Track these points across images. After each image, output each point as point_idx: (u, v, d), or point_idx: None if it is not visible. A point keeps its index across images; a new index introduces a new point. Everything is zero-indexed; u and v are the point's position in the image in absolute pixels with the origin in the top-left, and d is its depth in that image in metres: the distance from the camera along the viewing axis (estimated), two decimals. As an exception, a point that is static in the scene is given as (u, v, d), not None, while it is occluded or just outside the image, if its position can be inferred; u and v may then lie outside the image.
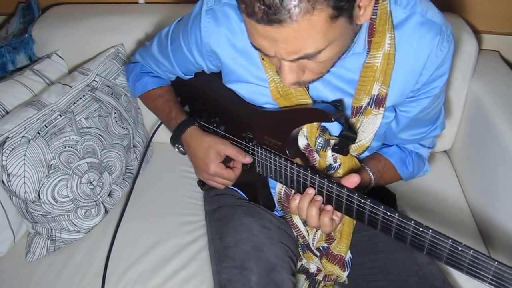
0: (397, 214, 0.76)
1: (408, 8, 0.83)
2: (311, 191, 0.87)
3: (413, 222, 0.74)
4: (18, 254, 1.21)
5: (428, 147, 1.08)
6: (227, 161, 1.03)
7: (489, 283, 0.70)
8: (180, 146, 1.10)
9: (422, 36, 0.83)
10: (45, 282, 1.14)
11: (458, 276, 1.10)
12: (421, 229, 0.74)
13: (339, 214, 0.88)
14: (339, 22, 0.67)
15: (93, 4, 1.52)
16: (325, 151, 0.93)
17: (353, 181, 0.84)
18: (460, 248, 0.70)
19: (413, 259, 0.99)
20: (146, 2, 1.55)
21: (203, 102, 1.10)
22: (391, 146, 1.06)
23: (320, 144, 0.93)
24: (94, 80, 1.27)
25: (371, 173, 0.98)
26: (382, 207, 0.77)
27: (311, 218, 0.87)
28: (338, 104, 0.89)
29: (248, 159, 1.01)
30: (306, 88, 0.89)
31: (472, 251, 0.69)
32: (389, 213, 0.76)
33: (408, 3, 0.83)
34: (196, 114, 1.11)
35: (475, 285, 1.07)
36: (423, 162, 1.09)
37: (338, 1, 0.64)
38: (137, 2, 1.55)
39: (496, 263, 0.68)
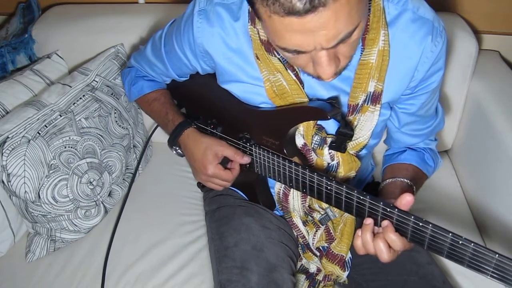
0: (396, 210, 0.76)
1: (400, 5, 0.83)
2: (369, 221, 0.80)
3: (413, 217, 0.74)
4: (18, 254, 1.21)
5: (435, 140, 1.09)
6: (225, 162, 1.03)
7: (491, 276, 0.70)
8: (177, 149, 1.10)
9: (415, 33, 0.83)
10: (45, 282, 1.14)
11: (458, 276, 1.10)
12: (421, 224, 0.74)
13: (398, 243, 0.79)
14: None
15: (93, 4, 1.52)
16: (321, 149, 0.93)
17: (407, 203, 0.76)
18: (460, 242, 0.70)
19: (413, 259, 0.99)
20: (146, 2, 1.55)
21: (199, 104, 1.10)
22: (404, 151, 1.05)
23: (316, 142, 0.93)
24: (94, 80, 1.28)
25: (411, 183, 0.97)
26: (381, 203, 0.77)
27: (381, 252, 0.79)
28: (333, 102, 0.89)
29: (246, 159, 1.01)
30: (301, 86, 0.90)
31: (473, 244, 0.70)
32: (388, 209, 0.76)
33: (399, 0, 0.83)
34: (192, 116, 1.11)
35: (475, 285, 1.08)
36: (437, 156, 1.09)
37: None
38: (137, 2, 1.55)
39: (497, 255, 0.68)
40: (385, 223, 0.78)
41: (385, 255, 0.79)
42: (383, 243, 0.78)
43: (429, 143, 1.07)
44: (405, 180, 0.97)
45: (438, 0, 1.41)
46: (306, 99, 0.90)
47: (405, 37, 0.84)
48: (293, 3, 0.61)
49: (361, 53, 0.84)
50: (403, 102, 0.94)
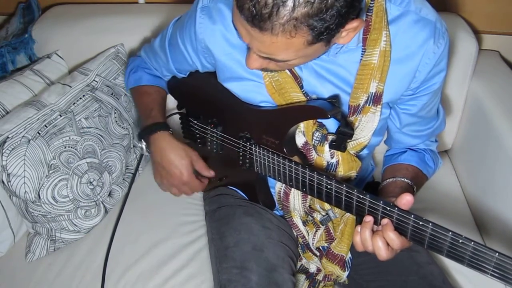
0: (396, 208, 0.76)
1: (403, 6, 0.83)
2: (368, 219, 0.80)
3: (413, 216, 0.75)
4: (18, 254, 1.21)
5: (436, 141, 1.10)
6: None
7: (491, 275, 0.70)
8: (145, 145, 1.11)
9: (417, 34, 0.83)
10: (45, 282, 1.14)
11: (458, 276, 1.10)
12: (421, 222, 0.74)
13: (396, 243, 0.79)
14: (315, 46, 0.70)
15: (93, 4, 1.52)
16: (322, 145, 0.93)
17: (407, 203, 0.76)
18: (460, 241, 0.71)
19: (412, 258, 0.99)
20: (146, 2, 1.55)
21: (200, 104, 1.10)
22: (404, 152, 1.06)
23: (317, 139, 0.93)
24: (94, 80, 1.27)
25: (411, 183, 0.97)
26: (381, 202, 0.77)
27: (379, 249, 0.79)
28: (334, 101, 0.89)
29: (211, 173, 1.10)
30: (297, 82, 0.90)
31: (473, 243, 0.70)
32: (388, 208, 0.77)
33: (402, 1, 0.84)
34: (193, 115, 1.11)
35: (475, 284, 1.08)
36: (437, 157, 1.09)
37: (320, 33, 0.67)
38: (137, 2, 1.55)
39: (497, 254, 0.68)
40: (385, 221, 0.78)
41: (383, 253, 0.79)
42: (381, 241, 0.78)
43: (429, 144, 1.07)
44: (405, 180, 0.97)
45: (439, 0, 1.41)
46: (301, 95, 0.90)
47: (407, 38, 0.84)
48: (244, 7, 0.66)
49: (362, 53, 0.84)
50: (405, 103, 0.94)
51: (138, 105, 1.18)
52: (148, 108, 1.11)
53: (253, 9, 0.64)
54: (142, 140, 1.10)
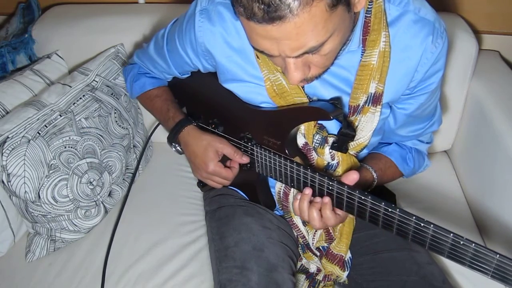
0: (398, 210, 0.76)
1: (401, 6, 0.83)
2: (308, 191, 0.88)
3: (414, 217, 0.75)
4: (18, 254, 1.21)
5: (427, 142, 1.09)
6: (225, 160, 1.03)
7: (492, 276, 0.71)
8: (177, 146, 1.10)
9: (416, 34, 0.83)
10: (45, 282, 1.14)
11: (458, 276, 1.10)
12: (422, 224, 0.74)
13: (339, 211, 0.88)
14: (338, 11, 0.67)
15: (93, 4, 1.52)
16: (322, 148, 0.93)
17: (351, 178, 0.83)
18: (461, 242, 0.71)
19: (413, 259, 0.99)
20: (146, 2, 1.55)
21: (200, 104, 1.10)
22: (390, 144, 1.07)
23: (317, 141, 0.93)
24: (94, 80, 1.28)
25: (373, 171, 0.98)
26: (383, 203, 0.77)
27: (313, 220, 0.87)
28: (336, 102, 0.89)
29: (245, 159, 1.02)
30: (302, 87, 0.90)
31: (474, 244, 0.70)
32: (390, 209, 0.77)
33: (401, 1, 0.84)
34: (193, 115, 1.11)
35: (475, 285, 1.08)
36: (423, 158, 1.10)
37: None
38: (137, 2, 1.55)
39: (498, 256, 0.68)
40: (326, 199, 0.85)
41: (316, 223, 0.87)
42: (316, 212, 0.86)
43: (417, 143, 1.07)
44: (371, 171, 0.98)
45: (439, 0, 1.41)
46: (305, 99, 0.90)
47: (406, 38, 0.84)
48: (254, 11, 0.63)
49: (362, 54, 0.84)
50: (402, 102, 0.95)
51: (152, 110, 1.17)
52: (163, 110, 1.11)
53: (263, 5, 0.62)
54: (173, 143, 1.10)
